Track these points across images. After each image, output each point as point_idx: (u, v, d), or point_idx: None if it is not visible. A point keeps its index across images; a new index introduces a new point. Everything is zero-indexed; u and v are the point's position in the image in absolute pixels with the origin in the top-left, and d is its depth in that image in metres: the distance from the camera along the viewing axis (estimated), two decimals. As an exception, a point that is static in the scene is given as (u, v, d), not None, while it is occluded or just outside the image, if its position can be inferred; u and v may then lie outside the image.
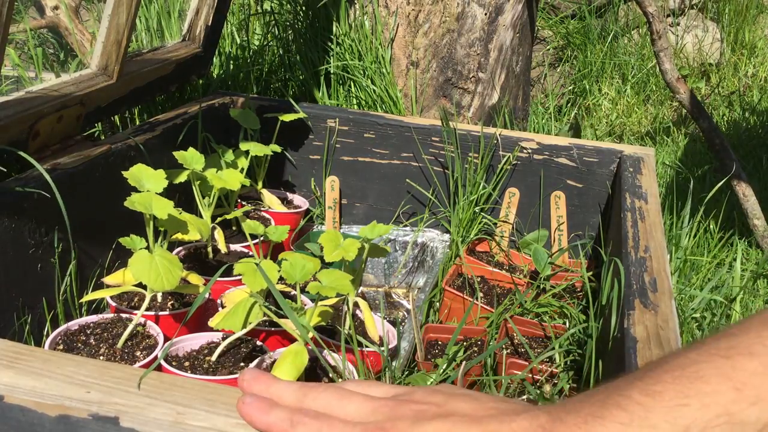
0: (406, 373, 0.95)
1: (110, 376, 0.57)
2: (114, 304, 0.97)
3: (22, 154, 0.96)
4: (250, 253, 1.15)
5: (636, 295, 0.78)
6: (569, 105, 2.67)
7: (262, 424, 0.55)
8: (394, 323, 1.07)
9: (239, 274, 0.87)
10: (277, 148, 1.24)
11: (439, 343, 1.04)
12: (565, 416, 0.47)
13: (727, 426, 0.42)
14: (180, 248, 1.14)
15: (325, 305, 0.93)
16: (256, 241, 1.12)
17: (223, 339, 0.91)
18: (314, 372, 0.88)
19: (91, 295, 0.95)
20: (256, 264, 0.86)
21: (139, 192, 0.93)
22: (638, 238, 0.92)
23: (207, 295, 1.03)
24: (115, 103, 1.23)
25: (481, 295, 1.16)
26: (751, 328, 0.45)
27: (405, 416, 0.53)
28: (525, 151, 1.30)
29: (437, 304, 1.17)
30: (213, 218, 1.14)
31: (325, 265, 0.94)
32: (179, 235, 0.99)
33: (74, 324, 0.91)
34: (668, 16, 3.22)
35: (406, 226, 1.37)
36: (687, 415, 0.43)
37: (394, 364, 0.92)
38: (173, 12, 1.93)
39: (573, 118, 2.52)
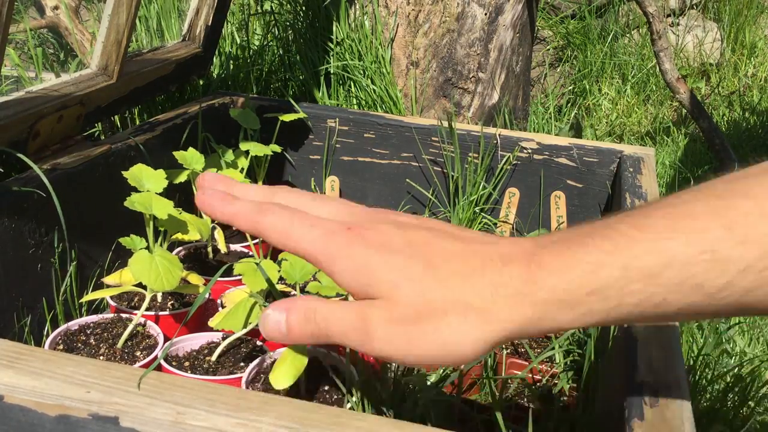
0: (406, 372, 0.95)
1: (110, 376, 0.57)
2: (114, 304, 0.97)
3: (20, 156, 0.96)
4: (250, 253, 1.16)
5: (636, 295, 0.78)
6: (569, 105, 2.67)
7: (226, 214, 0.51)
8: (394, 323, 1.07)
9: (239, 274, 0.87)
10: (277, 148, 1.24)
11: (439, 343, 1.04)
12: (550, 244, 0.46)
13: (710, 263, 0.41)
14: (180, 248, 1.14)
15: (325, 305, 0.93)
16: (256, 241, 1.12)
17: (223, 339, 0.91)
18: (314, 372, 0.88)
19: (91, 295, 0.95)
20: (257, 264, 0.86)
21: (139, 192, 0.93)
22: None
23: (207, 295, 1.03)
24: (115, 103, 1.23)
25: (481, 295, 1.16)
26: (749, 173, 0.45)
27: (387, 221, 0.50)
28: (525, 151, 1.30)
29: (437, 304, 1.16)
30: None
31: (325, 265, 0.94)
32: (179, 235, 0.99)
33: (74, 324, 0.91)
34: (668, 16, 3.22)
35: (406, 226, 1.37)
36: (671, 248, 0.42)
37: (393, 363, 0.92)
38: (173, 12, 1.93)
39: (574, 118, 2.52)
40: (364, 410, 0.80)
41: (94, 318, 0.93)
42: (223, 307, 0.99)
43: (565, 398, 0.92)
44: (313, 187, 1.42)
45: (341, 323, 0.47)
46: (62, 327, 0.90)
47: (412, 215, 0.53)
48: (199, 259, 1.14)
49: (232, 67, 1.85)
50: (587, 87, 2.79)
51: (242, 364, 0.89)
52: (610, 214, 0.47)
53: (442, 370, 0.92)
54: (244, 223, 0.51)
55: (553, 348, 0.98)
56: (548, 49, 3.08)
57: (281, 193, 0.54)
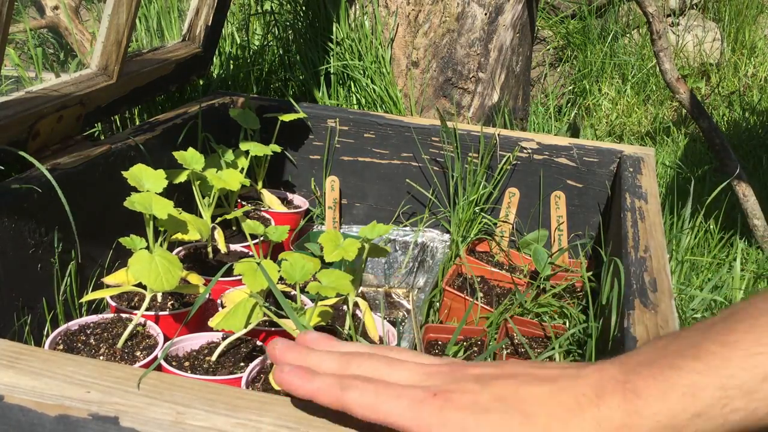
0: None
1: (110, 376, 0.57)
2: (114, 304, 0.97)
3: (23, 154, 0.96)
4: (250, 253, 1.15)
5: (636, 294, 0.78)
6: (569, 105, 2.67)
7: (307, 392, 0.52)
8: (394, 323, 1.07)
9: (239, 274, 0.87)
10: (277, 148, 1.24)
11: (439, 343, 1.04)
12: (638, 367, 0.46)
13: None
14: (180, 248, 1.14)
15: (325, 305, 0.93)
16: (256, 241, 1.12)
17: (223, 339, 0.91)
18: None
19: (91, 295, 0.95)
20: (257, 264, 0.86)
21: (139, 192, 0.93)
22: (638, 238, 0.92)
23: (207, 296, 1.03)
24: (115, 103, 1.23)
25: (481, 295, 1.16)
26: None
27: (466, 378, 0.51)
28: (525, 151, 1.30)
29: (437, 304, 1.17)
30: (213, 218, 1.14)
31: (325, 265, 0.94)
32: (179, 235, 0.99)
33: (74, 324, 0.91)
34: (668, 16, 3.22)
35: (406, 226, 1.37)
36: (764, 363, 0.43)
37: None
38: (173, 12, 1.93)
39: (572, 120, 2.52)
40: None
41: (94, 318, 0.93)
42: (223, 307, 0.99)
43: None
44: (313, 187, 1.42)
45: None
46: (62, 327, 0.90)
47: (487, 362, 0.54)
48: (199, 259, 1.14)
49: (232, 67, 1.85)
50: (587, 87, 2.79)
51: (242, 364, 0.89)
52: (688, 327, 0.48)
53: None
54: (327, 399, 0.52)
55: (553, 348, 0.98)
56: (548, 49, 3.08)
57: (357, 361, 0.54)
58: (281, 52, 1.90)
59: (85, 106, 1.11)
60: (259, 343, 0.93)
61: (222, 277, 0.92)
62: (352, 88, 1.70)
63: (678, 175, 2.13)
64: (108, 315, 0.94)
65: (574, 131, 2.37)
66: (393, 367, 0.53)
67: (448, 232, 1.33)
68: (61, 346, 0.88)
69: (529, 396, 0.48)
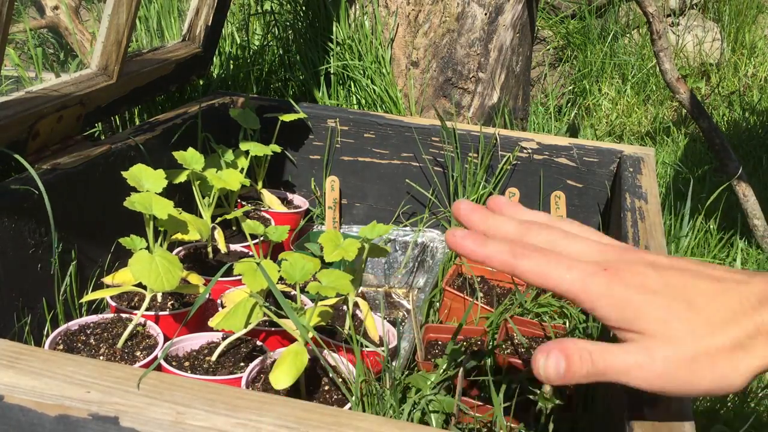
0: (406, 373, 0.95)
1: (110, 376, 0.57)
2: (114, 304, 0.97)
3: (17, 157, 0.96)
4: (250, 253, 1.15)
5: (636, 295, 0.78)
6: (569, 105, 2.67)
7: (479, 256, 0.55)
8: (394, 323, 1.07)
9: (239, 274, 0.87)
10: (277, 148, 1.24)
11: (439, 343, 1.04)
12: None
13: None
14: (180, 248, 1.14)
15: (325, 305, 0.93)
16: (256, 241, 1.12)
17: (223, 339, 0.91)
18: (314, 372, 0.88)
19: (91, 295, 0.95)
20: (257, 264, 0.86)
21: (139, 192, 0.93)
22: (638, 238, 0.92)
23: (207, 296, 1.03)
24: (115, 103, 1.23)
25: (481, 295, 1.16)
26: None
27: (639, 261, 0.54)
28: (525, 151, 1.30)
29: (437, 304, 1.17)
30: (213, 218, 1.14)
31: (325, 265, 0.94)
32: (179, 235, 0.99)
33: (74, 324, 0.91)
34: (668, 16, 3.23)
35: (406, 226, 1.37)
36: None
37: (394, 364, 0.92)
38: (173, 12, 1.93)
39: (572, 120, 2.52)
40: (364, 410, 0.80)
41: (94, 318, 0.93)
42: (223, 307, 0.99)
43: (565, 398, 0.92)
44: (313, 187, 1.42)
45: (623, 362, 0.51)
46: (62, 327, 0.90)
47: (662, 255, 0.56)
48: (199, 259, 1.14)
49: (232, 67, 1.85)
50: (587, 87, 2.79)
51: (242, 364, 0.89)
52: None
53: (442, 371, 0.92)
54: (499, 264, 0.55)
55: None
56: (548, 49, 3.08)
57: (535, 230, 0.57)
58: (281, 52, 1.90)
59: (85, 106, 1.11)
60: (259, 343, 0.93)
61: (222, 277, 0.92)
62: (352, 88, 1.70)
63: (678, 175, 2.14)
64: (108, 315, 0.94)
65: (572, 132, 2.37)
66: (569, 239, 0.56)
67: (448, 232, 1.33)
68: (61, 346, 0.88)
69: (696, 289, 0.51)
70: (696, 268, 0.54)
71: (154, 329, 0.92)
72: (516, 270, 0.54)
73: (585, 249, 0.56)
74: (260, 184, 1.31)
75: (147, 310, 0.95)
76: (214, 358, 0.89)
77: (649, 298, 0.51)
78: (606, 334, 0.86)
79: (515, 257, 0.54)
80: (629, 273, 0.53)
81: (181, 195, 1.17)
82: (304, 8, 1.79)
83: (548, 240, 0.56)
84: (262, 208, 1.27)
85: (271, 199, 1.30)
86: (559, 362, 0.52)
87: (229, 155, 1.23)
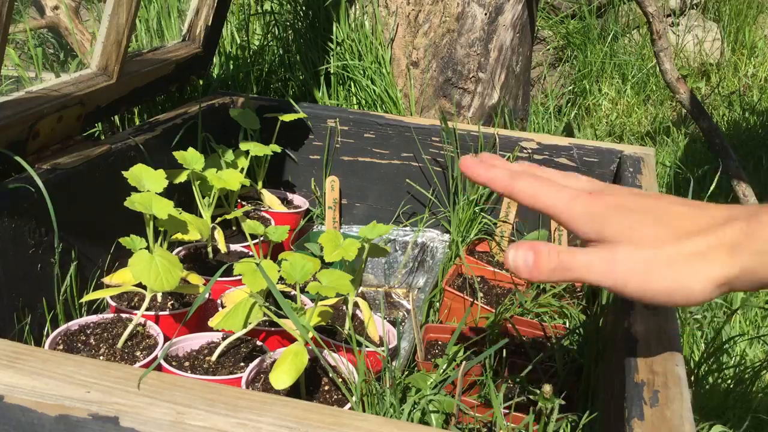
0: (406, 373, 0.95)
1: (110, 375, 0.57)
2: (114, 304, 0.97)
3: (17, 158, 0.96)
4: (250, 253, 1.15)
5: (636, 295, 0.78)
6: (569, 105, 2.67)
7: (483, 177, 0.63)
8: (394, 323, 1.07)
9: (239, 274, 0.87)
10: (277, 148, 1.24)
11: (439, 343, 1.04)
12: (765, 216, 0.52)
13: None
14: (180, 248, 1.14)
15: (325, 305, 0.93)
16: (256, 241, 1.12)
17: (223, 339, 0.91)
18: (314, 372, 0.88)
19: (91, 295, 0.95)
20: (257, 264, 0.86)
21: (139, 192, 0.93)
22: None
23: (207, 295, 1.03)
24: (115, 103, 1.23)
25: (481, 295, 1.16)
26: None
27: (624, 191, 0.60)
28: (525, 151, 1.30)
29: (437, 304, 1.17)
30: (213, 218, 1.14)
31: (325, 265, 0.94)
32: (179, 235, 0.99)
33: (74, 324, 0.91)
34: (668, 16, 3.23)
35: (406, 226, 1.37)
36: None
37: (394, 364, 0.92)
38: (173, 12, 1.93)
39: (569, 120, 2.51)
40: (364, 410, 0.80)
41: (94, 318, 0.93)
42: (223, 307, 0.99)
43: (565, 398, 0.92)
44: (313, 187, 1.42)
45: (586, 256, 0.56)
46: (62, 327, 0.90)
47: (653, 193, 0.63)
48: (199, 259, 1.14)
49: (232, 67, 1.85)
50: (587, 87, 2.79)
51: (242, 364, 0.89)
52: None
53: (442, 371, 0.92)
54: (500, 186, 0.62)
55: (554, 348, 0.98)
56: (548, 49, 3.08)
57: (539, 169, 0.65)
58: (281, 52, 1.90)
59: (85, 106, 1.11)
60: (259, 343, 0.93)
61: (222, 277, 0.92)
62: (352, 89, 1.70)
63: (678, 175, 2.14)
64: (108, 315, 0.94)
65: (567, 133, 2.37)
66: (566, 176, 0.64)
67: (448, 232, 1.33)
68: (61, 346, 0.88)
69: (670, 209, 0.57)
70: (679, 199, 0.58)
71: (154, 329, 0.92)
72: (513, 190, 0.61)
73: (577, 183, 0.63)
74: (260, 184, 1.31)
75: (147, 310, 0.95)
76: (214, 358, 0.89)
77: (621, 213, 0.56)
78: (606, 330, 0.86)
79: (513, 179, 0.61)
80: (611, 196, 0.58)
81: (181, 195, 1.17)
82: (304, 8, 1.79)
83: (549, 174, 0.63)
84: (262, 208, 1.27)
85: (271, 199, 1.30)
86: (528, 256, 0.57)
87: (229, 155, 1.23)
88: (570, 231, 0.58)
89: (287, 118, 1.26)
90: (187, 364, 0.88)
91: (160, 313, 0.96)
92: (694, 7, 3.33)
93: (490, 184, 0.63)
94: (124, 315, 0.94)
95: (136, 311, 0.93)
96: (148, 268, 0.85)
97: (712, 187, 1.33)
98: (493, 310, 1.10)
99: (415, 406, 0.85)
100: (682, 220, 0.55)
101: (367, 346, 0.93)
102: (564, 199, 0.59)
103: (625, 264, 0.55)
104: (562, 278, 0.57)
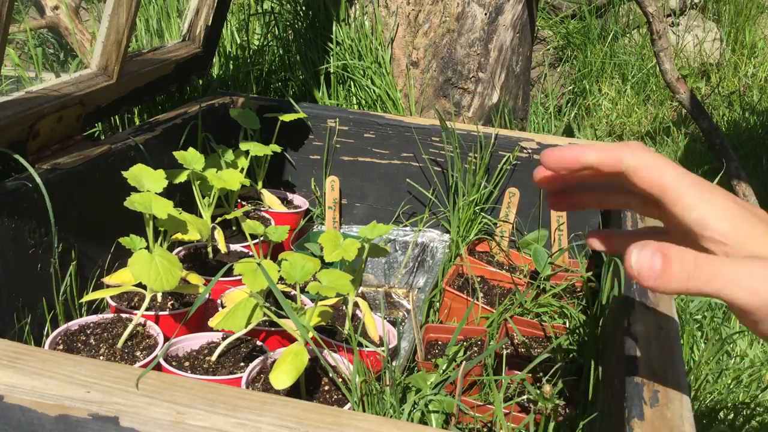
0: (406, 373, 0.95)
1: (110, 375, 0.57)
2: (114, 304, 0.97)
3: (17, 157, 0.96)
4: (250, 253, 1.15)
5: (636, 295, 0.78)
6: (569, 105, 2.67)
7: (593, 155, 0.55)
8: (394, 323, 1.07)
9: (239, 274, 0.87)
10: (277, 148, 1.24)
11: (439, 343, 1.04)
12: None
13: None
14: (180, 248, 1.14)
15: (325, 305, 0.93)
16: (256, 241, 1.12)
17: (223, 339, 0.91)
18: (314, 372, 0.88)
19: (91, 295, 0.95)
20: (257, 264, 0.86)
21: (139, 192, 0.93)
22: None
23: (207, 295, 1.03)
24: (115, 103, 1.23)
25: (481, 295, 1.16)
26: None
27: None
28: (525, 151, 1.30)
29: (437, 304, 1.17)
30: (213, 218, 1.14)
31: (325, 265, 0.94)
32: (179, 235, 0.99)
33: (74, 324, 0.91)
34: (668, 16, 3.23)
35: (406, 226, 1.37)
36: None
37: (394, 364, 0.92)
38: (173, 12, 1.93)
39: (570, 120, 2.52)
40: (364, 410, 0.80)
41: (94, 318, 0.93)
42: (223, 307, 0.99)
43: (565, 398, 0.92)
44: (313, 187, 1.42)
45: (733, 268, 0.47)
46: (62, 327, 0.90)
47: None
48: (199, 259, 1.14)
49: (232, 67, 1.85)
50: (587, 87, 2.79)
51: (242, 364, 0.89)
52: None
53: (442, 371, 0.92)
54: (614, 157, 0.54)
55: (554, 348, 0.98)
56: (548, 49, 3.08)
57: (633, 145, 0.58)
58: (281, 52, 1.90)
59: (85, 106, 1.11)
60: (259, 343, 0.93)
61: (222, 277, 0.92)
62: (352, 88, 1.70)
63: (678, 175, 2.13)
64: (108, 315, 0.94)
65: (567, 134, 2.37)
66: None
67: (448, 232, 1.33)
68: (61, 346, 0.88)
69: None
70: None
71: (154, 329, 0.92)
72: (630, 160, 0.54)
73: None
74: (260, 184, 1.31)
75: (147, 310, 0.95)
76: (214, 358, 0.89)
77: (760, 224, 0.50)
78: (606, 330, 0.86)
79: (628, 148, 0.54)
80: (729, 194, 0.53)
81: (181, 195, 1.17)
82: (304, 8, 1.79)
83: None
84: (262, 208, 1.27)
85: (271, 199, 1.30)
86: (655, 260, 0.47)
87: (229, 155, 1.23)
88: (692, 225, 0.51)
89: (287, 118, 1.26)
90: (187, 364, 0.88)
91: (160, 313, 0.96)
92: (694, 7, 3.33)
93: (600, 158, 0.55)
94: (124, 315, 0.94)
95: (136, 311, 0.93)
96: (148, 268, 0.85)
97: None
98: (493, 310, 1.10)
99: (415, 406, 0.85)
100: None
101: (367, 346, 0.93)
102: (689, 185, 0.51)
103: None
104: (696, 291, 0.47)
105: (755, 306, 0.46)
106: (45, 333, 0.98)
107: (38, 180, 0.94)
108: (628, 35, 3.09)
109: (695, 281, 0.47)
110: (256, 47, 1.95)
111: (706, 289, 0.47)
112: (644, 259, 0.47)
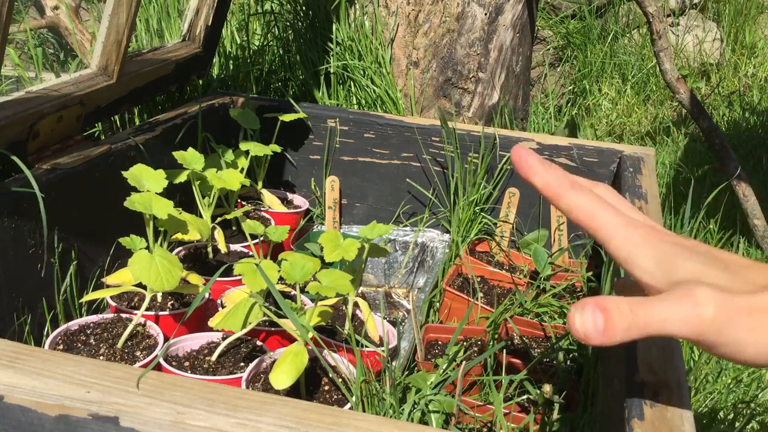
0: (406, 373, 0.95)
1: (110, 375, 0.57)
2: (114, 304, 0.97)
3: (16, 159, 0.96)
4: (250, 253, 1.15)
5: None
6: (569, 105, 2.67)
7: (540, 177, 0.56)
8: (394, 323, 1.07)
9: (239, 274, 0.87)
10: (277, 148, 1.24)
11: (439, 343, 1.04)
12: None
13: None
14: (180, 248, 1.14)
15: (325, 305, 0.93)
16: (256, 241, 1.12)
17: (223, 339, 0.91)
18: (314, 372, 0.88)
19: (91, 295, 0.95)
20: (256, 264, 0.86)
21: (139, 192, 0.93)
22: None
23: (207, 295, 1.03)
24: (115, 103, 1.23)
25: (481, 295, 1.16)
26: None
27: (670, 232, 0.55)
28: (525, 151, 1.30)
29: (437, 304, 1.17)
30: (213, 218, 1.14)
31: (325, 265, 0.94)
32: (179, 235, 0.99)
33: (74, 324, 0.91)
34: (668, 16, 3.23)
35: (406, 226, 1.37)
36: None
37: (394, 364, 0.92)
38: (173, 12, 1.93)
39: (569, 116, 2.51)
40: (364, 410, 0.80)
41: (94, 318, 0.93)
42: (223, 307, 0.99)
43: (565, 398, 0.92)
44: (313, 187, 1.42)
45: (665, 309, 0.49)
46: (62, 327, 0.90)
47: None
48: (199, 259, 1.14)
49: (232, 67, 1.85)
50: (587, 87, 2.79)
51: (242, 364, 0.89)
52: None
53: (442, 371, 0.92)
54: (553, 193, 0.56)
55: (554, 348, 0.98)
56: (548, 49, 3.08)
57: (600, 187, 0.60)
58: (281, 52, 1.90)
59: (85, 106, 1.11)
60: (259, 343, 0.93)
61: (222, 277, 0.92)
62: (352, 88, 1.70)
63: (678, 175, 2.14)
64: (108, 315, 0.94)
65: (570, 128, 2.36)
66: (623, 202, 0.59)
67: (448, 232, 1.33)
68: (61, 346, 0.88)
69: (733, 259, 0.52)
70: (725, 252, 0.55)
71: (154, 329, 0.92)
72: (569, 200, 0.55)
73: (630, 210, 0.59)
74: (260, 184, 1.31)
75: (147, 310, 0.95)
76: (214, 358, 0.89)
77: (688, 254, 0.51)
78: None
79: (572, 189, 0.55)
80: (666, 234, 0.54)
81: (181, 195, 1.17)
82: (304, 8, 1.79)
83: (611, 196, 0.59)
84: (262, 208, 1.27)
85: (271, 199, 1.30)
86: (597, 318, 0.49)
87: (229, 155, 1.23)
88: (623, 264, 0.53)
89: (287, 118, 1.26)
90: (187, 364, 0.88)
91: (160, 313, 0.96)
92: (694, 7, 3.33)
93: (544, 188, 0.56)
94: (124, 315, 0.94)
95: (136, 311, 0.93)
96: (148, 268, 0.85)
97: (714, 193, 1.33)
98: (493, 310, 1.10)
99: (415, 406, 0.85)
100: (751, 272, 0.50)
101: (367, 346, 0.93)
102: (621, 226, 0.53)
103: (716, 312, 0.48)
104: (640, 336, 0.49)
105: (695, 336, 0.49)
106: (45, 333, 0.98)
107: (34, 184, 0.94)
108: (628, 35, 3.09)
109: (636, 328, 0.49)
110: (256, 47, 1.95)
111: (646, 332, 0.49)
112: (587, 320, 0.49)
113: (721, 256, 0.52)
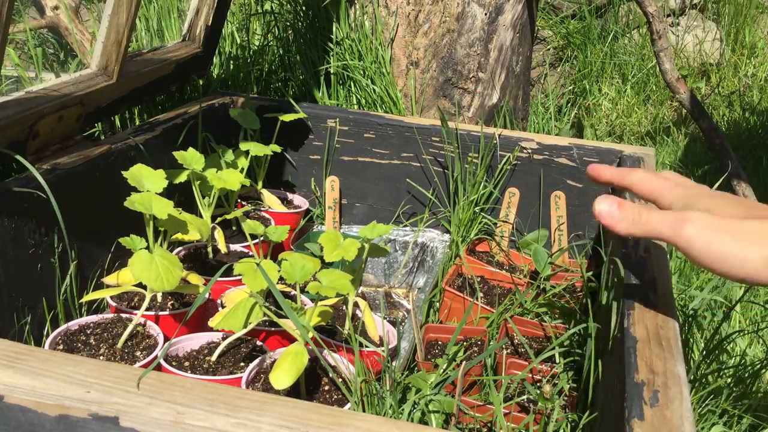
0: (406, 373, 0.95)
1: (110, 375, 0.57)
2: (114, 304, 0.97)
3: (18, 157, 0.96)
4: (250, 253, 1.15)
5: (636, 295, 0.78)
6: (569, 105, 2.67)
7: (606, 173, 0.74)
8: (394, 323, 1.07)
9: (239, 274, 0.87)
10: (277, 148, 1.24)
11: (439, 343, 1.04)
12: None
13: None
14: (180, 248, 1.14)
15: (325, 305, 0.93)
16: (256, 241, 1.12)
17: (223, 339, 0.91)
18: (314, 372, 0.88)
19: (91, 295, 0.95)
20: (257, 264, 0.86)
21: (139, 192, 0.93)
22: (638, 239, 0.92)
23: (207, 295, 1.03)
24: (115, 103, 1.23)
25: (481, 295, 1.16)
26: None
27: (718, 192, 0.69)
28: (525, 151, 1.30)
29: (437, 304, 1.17)
30: (213, 218, 1.14)
31: (325, 265, 0.94)
32: (179, 235, 0.99)
33: (74, 324, 0.91)
34: (668, 16, 3.22)
35: (406, 226, 1.37)
36: None
37: (394, 364, 0.92)
38: (173, 12, 1.93)
39: (574, 117, 2.51)
40: (364, 410, 0.80)
41: (94, 318, 0.93)
42: (223, 307, 0.99)
43: (565, 398, 0.92)
44: (313, 187, 1.42)
45: (663, 214, 0.64)
46: (62, 327, 0.90)
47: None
48: (199, 259, 1.14)
49: (232, 67, 1.85)
50: (587, 87, 2.79)
51: (242, 364, 0.89)
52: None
53: (442, 371, 0.92)
54: (617, 177, 0.74)
55: (553, 348, 0.98)
56: (548, 49, 3.08)
57: (665, 173, 0.74)
58: (281, 52, 1.90)
59: (85, 106, 1.11)
60: (259, 343, 0.93)
61: (222, 277, 0.92)
62: (352, 88, 1.70)
63: (678, 175, 2.13)
64: (108, 315, 0.94)
65: (577, 129, 2.36)
66: (689, 182, 0.74)
67: (448, 232, 1.33)
68: (61, 346, 0.88)
69: (756, 204, 0.65)
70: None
71: (154, 329, 0.92)
72: (632, 177, 0.73)
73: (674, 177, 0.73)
74: (260, 184, 1.31)
75: (147, 310, 0.95)
76: (214, 358, 0.89)
77: (710, 196, 0.65)
78: (606, 332, 0.86)
79: (630, 171, 0.74)
80: (705, 188, 0.68)
81: (181, 195, 1.17)
82: (304, 8, 1.79)
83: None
84: (262, 208, 1.27)
85: (271, 199, 1.30)
86: (612, 205, 0.66)
87: (229, 155, 1.23)
88: (665, 208, 0.67)
89: (287, 118, 1.26)
90: (187, 364, 0.88)
91: (160, 313, 0.96)
92: (694, 7, 3.33)
93: (614, 177, 0.73)
94: (124, 315, 0.94)
95: (136, 311, 0.93)
96: (148, 268, 0.85)
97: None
98: (493, 310, 1.10)
99: (415, 406, 0.85)
100: (761, 210, 0.62)
101: (367, 346, 0.93)
102: (667, 185, 0.69)
103: (694, 224, 0.61)
104: (640, 230, 0.64)
105: (678, 240, 0.62)
106: (45, 333, 0.98)
107: (41, 180, 0.94)
108: (628, 35, 3.09)
109: (638, 224, 0.65)
110: (256, 47, 1.96)
111: (646, 229, 0.64)
112: (606, 205, 0.66)
113: (743, 200, 0.65)
